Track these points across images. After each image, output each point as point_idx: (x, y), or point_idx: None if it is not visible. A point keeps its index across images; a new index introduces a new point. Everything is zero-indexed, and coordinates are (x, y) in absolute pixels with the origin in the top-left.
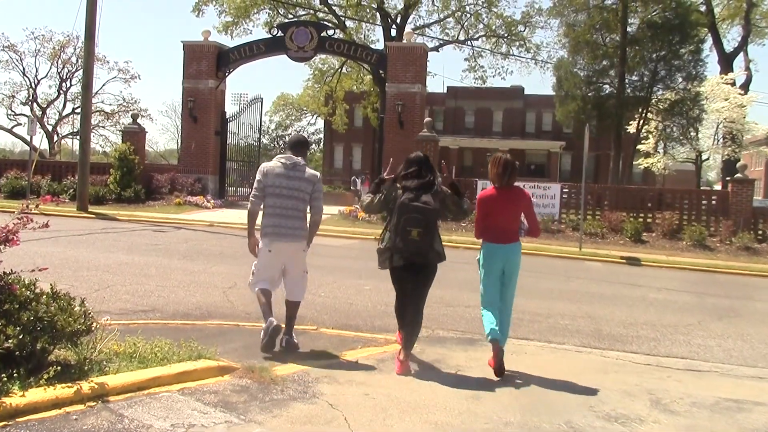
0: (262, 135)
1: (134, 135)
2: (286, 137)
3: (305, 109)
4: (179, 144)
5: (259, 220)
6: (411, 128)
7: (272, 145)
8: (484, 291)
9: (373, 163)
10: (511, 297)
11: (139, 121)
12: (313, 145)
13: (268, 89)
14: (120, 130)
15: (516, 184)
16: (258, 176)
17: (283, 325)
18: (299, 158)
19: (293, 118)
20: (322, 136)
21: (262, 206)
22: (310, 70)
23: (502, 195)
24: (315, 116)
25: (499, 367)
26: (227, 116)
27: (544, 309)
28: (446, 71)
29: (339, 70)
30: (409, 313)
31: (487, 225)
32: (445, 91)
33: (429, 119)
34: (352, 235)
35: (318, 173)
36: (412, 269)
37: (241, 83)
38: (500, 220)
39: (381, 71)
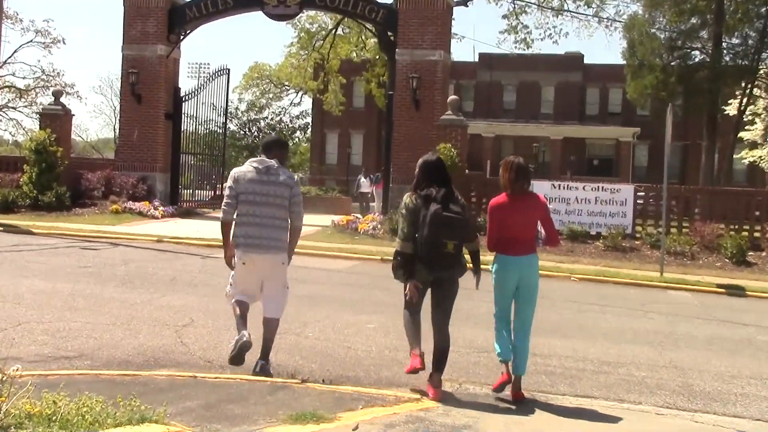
0: (229, 119)
1: (56, 119)
2: (261, 122)
3: (287, 84)
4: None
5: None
6: (430, 110)
7: (242, 132)
8: (498, 308)
9: (379, 156)
10: (529, 318)
11: (63, 100)
12: (297, 133)
13: (238, 58)
14: (37, 113)
15: (545, 183)
16: (229, 183)
17: (256, 339)
18: (273, 161)
19: (271, 96)
20: (309, 120)
21: (236, 215)
22: (294, 32)
23: (515, 202)
24: (300, 93)
25: (515, 392)
26: (182, 94)
27: (613, 355)
28: (478, 33)
29: (333, 31)
30: (435, 338)
31: (501, 236)
32: (477, 59)
33: (454, 97)
34: (350, 254)
35: (294, 175)
36: (436, 284)
37: (202, 50)
38: (514, 229)
39: (389, 33)
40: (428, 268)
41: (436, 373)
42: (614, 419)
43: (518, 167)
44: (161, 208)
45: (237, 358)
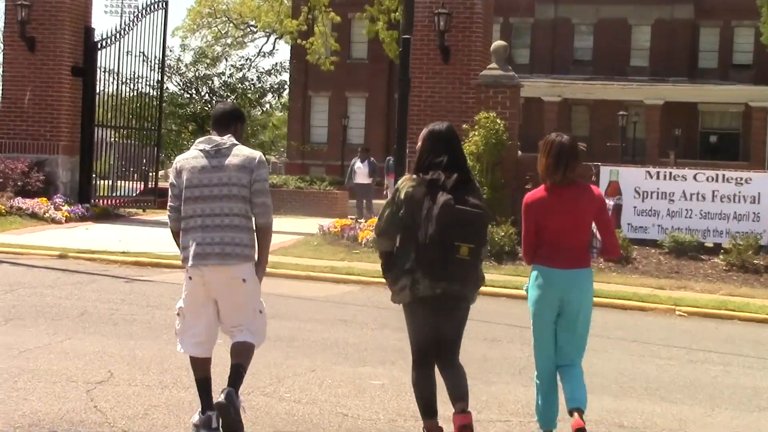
0: (168, 75)
1: None
2: (215, 81)
3: (253, 23)
4: None
5: None
6: (464, 62)
7: (187, 95)
8: (538, 342)
9: (389, 130)
10: (582, 346)
11: None
12: (268, 97)
13: None
14: None
15: (636, 171)
16: (171, 178)
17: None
18: (227, 137)
19: (229, 42)
20: (286, 78)
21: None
22: None
23: (558, 196)
24: (273, 38)
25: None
26: (97, 38)
27: (743, 429)
28: None
29: None
30: (446, 377)
31: (541, 242)
32: None
33: (501, 43)
34: (345, 276)
35: (259, 153)
36: (444, 303)
37: None
38: (558, 233)
39: None
40: (431, 278)
41: (459, 402)
42: None
43: (561, 147)
44: (66, 207)
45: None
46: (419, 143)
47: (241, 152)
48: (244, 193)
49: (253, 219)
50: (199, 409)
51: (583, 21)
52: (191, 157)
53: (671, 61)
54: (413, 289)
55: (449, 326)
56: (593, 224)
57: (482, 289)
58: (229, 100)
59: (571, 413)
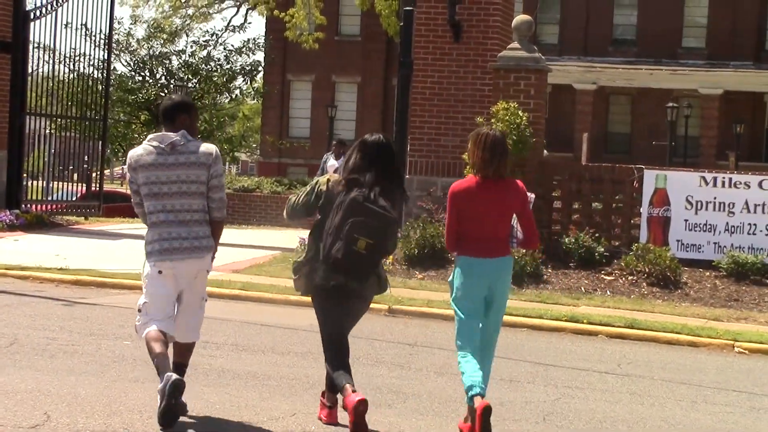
0: (117, 53)
1: None
2: (173, 61)
3: None
4: None
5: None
6: (480, 39)
7: (139, 77)
8: (460, 326)
9: (385, 122)
10: (496, 332)
11: None
12: (238, 81)
13: None
14: None
15: (688, 176)
16: (128, 174)
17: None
18: (179, 133)
19: (191, 14)
20: (260, 58)
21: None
22: None
23: (486, 188)
24: (245, 9)
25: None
26: (30, 7)
27: None
28: None
29: None
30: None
31: (465, 232)
32: None
33: (525, 18)
34: None
35: (214, 147)
36: (340, 295)
37: None
38: (484, 224)
39: None
40: (330, 267)
41: (330, 394)
42: None
43: (494, 142)
44: None
45: (168, 414)
46: (350, 152)
47: (197, 148)
48: (202, 190)
49: (208, 214)
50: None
51: None
52: (146, 153)
53: (733, 41)
54: (310, 277)
55: (345, 318)
56: (514, 217)
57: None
58: (191, 84)
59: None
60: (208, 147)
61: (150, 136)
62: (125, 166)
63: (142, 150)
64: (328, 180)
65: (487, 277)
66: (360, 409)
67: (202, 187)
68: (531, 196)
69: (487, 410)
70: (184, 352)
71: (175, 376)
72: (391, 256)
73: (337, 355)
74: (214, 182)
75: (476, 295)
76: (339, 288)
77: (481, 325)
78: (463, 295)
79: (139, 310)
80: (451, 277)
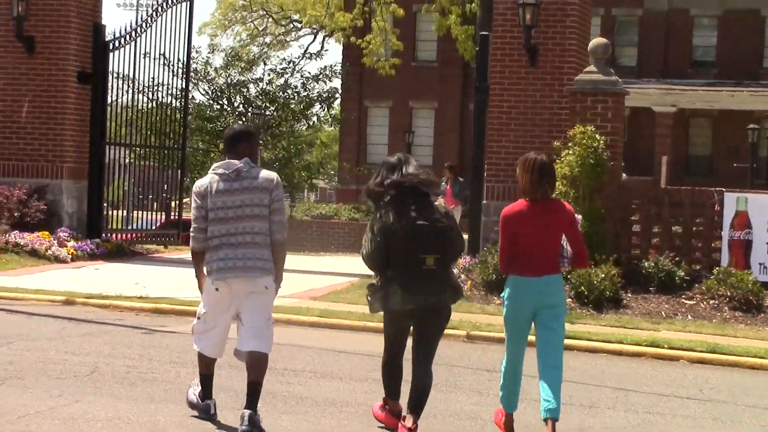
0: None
1: None
2: (250, 89)
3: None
4: None
5: None
6: (556, 63)
7: (217, 106)
8: (510, 341)
9: (462, 147)
10: (558, 350)
11: None
12: (315, 108)
13: None
14: None
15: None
16: (195, 201)
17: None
18: (243, 160)
19: (268, 42)
20: (337, 85)
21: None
22: None
23: (535, 211)
24: (322, 36)
25: None
26: (109, 38)
27: None
28: None
29: None
30: (415, 372)
31: (516, 253)
32: None
33: (602, 41)
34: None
35: (275, 174)
36: (420, 313)
37: None
38: (534, 244)
39: None
40: (406, 290)
41: (411, 414)
42: None
43: (541, 167)
44: (72, 243)
45: None
46: (380, 168)
47: (259, 174)
48: (264, 213)
49: (270, 236)
50: (199, 390)
51: (704, 12)
52: (213, 181)
53: None
54: (385, 301)
55: (422, 335)
56: (563, 237)
57: (578, 343)
58: (268, 111)
59: (546, 421)
60: (269, 173)
61: (215, 164)
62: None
63: (209, 178)
64: (380, 215)
65: (534, 295)
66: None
67: (264, 210)
68: (578, 217)
69: None
70: (256, 366)
71: (213, 409)
72: (469, 281)
73: (399, 373)
74: (275, 206)
75: (524, 311)
76: (418, 309)
77: (542, 338)
78: (511, 312)
79: (198, 318)
80: (503, 294)
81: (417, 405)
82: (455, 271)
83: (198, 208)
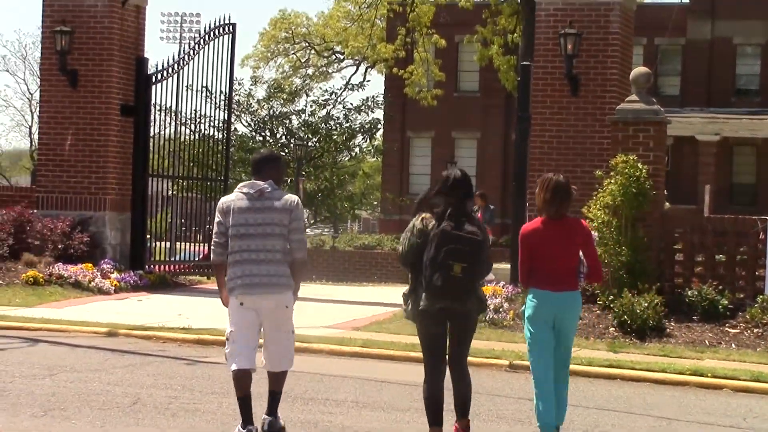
0: (237, 114)
1: None
2: (293, 120)
3: (338, 50)
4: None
5: None
6: (598, 93)
7: (259, 137)
8: (535, 357)
9: (506, 177)
10: (567, 361)
11: None
12: (357, 139)
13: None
14: None
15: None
16: (217, 216)
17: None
18: (268, 182)
19: (310, 73)
20: (379, 116)
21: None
22: None
23: (552, 228)
24: (364, 68)
25: None
26: (152, 70)
27: None
28: None
29: None
30: (454, 379)
31: (535, 267)
32: (687, 0)
33: (644, 70)
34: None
35: (296, 197)
36: (446, 318)
37: None
38: (551, 260)
39: None
40: (432, 295)
41: (461, 419)
42: None
43: (556, 186)
44: (115, 275)
45: None
46: (432, 188)
47: (281, 196)
48: (284, 232)
49: (290, 254)
50: (240, 424)
51: (748, 41)
52: (237, 199)
53: None
54: (415, 304)
55: (451, 340)
56: (580, 253)
57: (621, 372)
58: (311, 143)
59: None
60: (290, 196)
61: (241, 184)
62: None
63: (234, 196)
64: (422, 219)
65: (553, 308)
66: None
67: (284, 230)
68: (595, 234)
69: None
70: (278, 378)
71: (269, 419)
72: (511, 311)
73: (441, 383)
74: (294, 225)
75: (543, 323)
76: (444, 310)
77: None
78: (533, 326)
79: (227, 339)
80: (523, 308)
81: (463, 406)
82: (489, 293)
83: (218, 223)
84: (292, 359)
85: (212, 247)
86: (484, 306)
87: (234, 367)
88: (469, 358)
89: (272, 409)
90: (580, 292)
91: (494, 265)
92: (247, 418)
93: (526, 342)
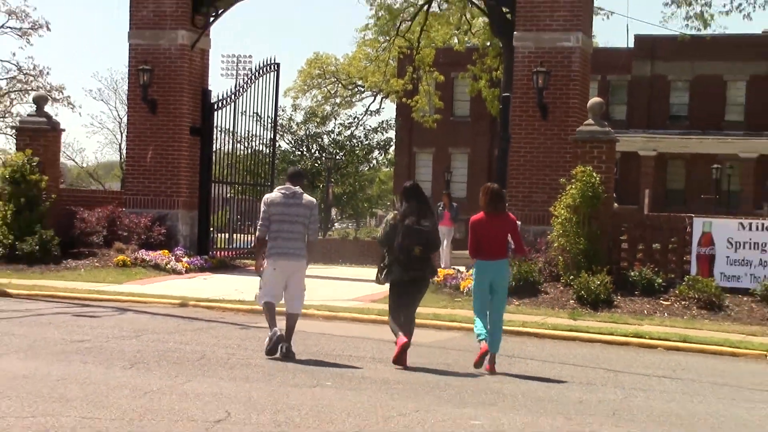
0: (281, 134)
1: (40, 135)
2: (324, 139)
3: (360, 83)
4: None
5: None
6: (562, 118)
7: (298, 152)
8: (476, 301)
9: (490, 181)
10: (501, 307)
11: (48, 109)
12: (374, 153)
13: (290, 48)
14: (13, 126)
15: (729, 222)
16: (263, 207)
17: (283, 333)
18: (297, 187)
19: (338, 101)
20: (392, 135)
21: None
22: (370, 9)
23: (490, 220)
24: (380, 97)
25: (484, 362)
26: (214, 100)
27: None
28: (633, 7)
29: (425, 7)
30: (405, 318)
31: (479, 245)
32: (632, 45)
33: (597, 100)
34: (446, 323)
35: (314, 199)
36: (411, 283)
37: (240, 37)
38: (489, 241)
39: (504, 9)
40: (403, 268)
41: (405, 334)
42: None
43: (491, 192)
44: (186, 259)
45: (272, 350)
46: (399, 195)
47: (305, 198)
48: (305, 221)
49: (306, 236)
50: (270, 331)
51: (679, 77)
52: (276, 196)
53: (765, 115)
54: (390, 274)
55: (410, 296)
56: (509, 236)
57: (578, 335)
58: (338, 156)
59: (480, 342)
60: (311, 198)
61: (279, 186)
62: None
63: (275, 195)
64: (394, 215)
65: (490, 271)
66: (404, 346)
67: (305, 220)
68: (518, 222)
69: (489, 353)
70: (293, 318)
71: (279, 332)
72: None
73: (400, 318)
74: (312, 218)
75: (484, 283)
76: (412, 279)
77: (491, 300)
78: (477, 283)
79: (260, 288)
80: (471, 270)
81: (408, 330)
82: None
83: (264, 211)
84: (301, 306)
85: (259, 227)
86: (435, 271)
87: (264, 300)
88: (450, 323)
89: (288, 339)
90: (508, 261)
91: (460, 251)
92: (272, 325)
93: (473, 290)
